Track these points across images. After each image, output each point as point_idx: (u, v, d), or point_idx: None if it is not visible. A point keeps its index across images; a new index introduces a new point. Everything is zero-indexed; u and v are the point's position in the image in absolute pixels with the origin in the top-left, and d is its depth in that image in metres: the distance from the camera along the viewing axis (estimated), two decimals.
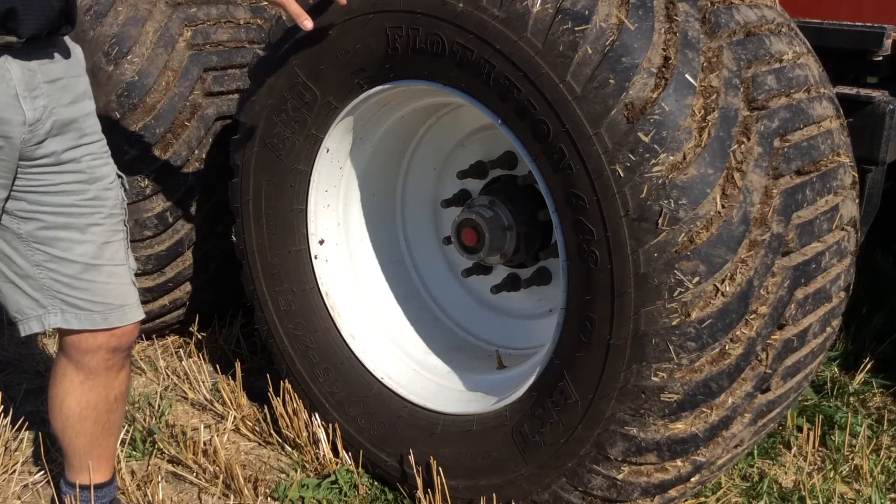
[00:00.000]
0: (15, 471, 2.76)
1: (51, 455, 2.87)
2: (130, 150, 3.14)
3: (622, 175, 2.03)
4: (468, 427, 2.54)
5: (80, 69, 2.14)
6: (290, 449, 2.96)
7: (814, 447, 2.95)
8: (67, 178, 2.11)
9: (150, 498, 2.66)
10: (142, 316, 2.31)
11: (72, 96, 2.09)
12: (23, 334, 2.24)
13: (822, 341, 2.39)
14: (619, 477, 2.25)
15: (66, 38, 2.12)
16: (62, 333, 2.25)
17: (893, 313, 3.73)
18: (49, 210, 2.11)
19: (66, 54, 2.10)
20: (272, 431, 3.02)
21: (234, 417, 3.08)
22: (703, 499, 2.72)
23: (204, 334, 3.60)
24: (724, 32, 2.12)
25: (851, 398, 3.31)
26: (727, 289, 2.04)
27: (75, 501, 2.41)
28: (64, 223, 2.13)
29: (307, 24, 2.33)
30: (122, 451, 2.81)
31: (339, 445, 2.82)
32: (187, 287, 3.47)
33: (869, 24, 2.63)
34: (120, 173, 2.24)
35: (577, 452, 2.28)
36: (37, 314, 2.20)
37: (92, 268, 2.18)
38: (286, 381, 2.92)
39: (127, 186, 2.27)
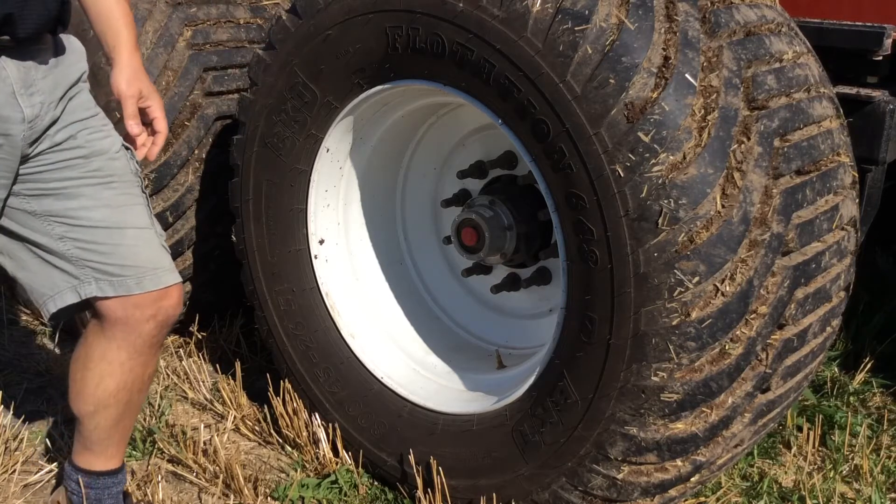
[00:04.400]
0: (15, 471, 2.75)
1: (51, 455, 2.87)
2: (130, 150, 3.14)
3: (622, 175, 2.03)
4: (468, 427, 2.54)
5: (73, 57, 2.15)
6: (290, 449, 2.96)
7: (814, 447, 2.95)
8: (66, 154, 2.12)
9: (150, 498, 2.66)
10: (178, 279, 2.28)
11: (65, 86, 2.11)
12: (54, 310, 2.21)
13: (822, 341, 2.39)
14: (619, 476, 2.25)
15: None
16: (107, 312, 2.21)
17: (893, 313, 3.74)
18: (55, 185, 2.12)
19: (57, 49, 2.12)
20: (272, 431, 3.02)
21: (234, 417, 3.08)
22: (703, 498, 2.72)
23: (204, 334, 3.60)
24: (724, 32, 2.12)
25: (851, 398, 3.31)
26: (727, 288, 2.04)
27: (90, 489, 2.37)
28: (73, 194, 2.13)
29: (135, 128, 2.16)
30: None
31: (339, 445, 2.82)
32: (187, 287, 3.47)
33: (869, 24, 2.63)
34: (127, 145, 2.23)
35: (577, 452, 2.28)
36: (71, 285, 2.18)
37: (114, 231, 2.16)
38: (286, 381, 2.92)
39: (137, 158, 2.24)
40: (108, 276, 2.18)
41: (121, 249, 2.18)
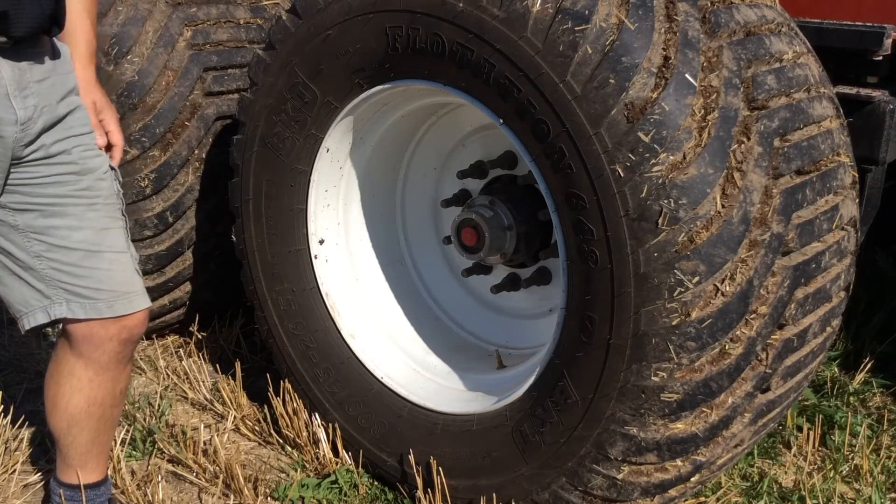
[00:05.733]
0: (15, 471, 2.76)
1: (51, 455, 2.87)
2: (130, 150, 3.14)
3: (622, 175, 2.03)
4: (468, 427, 2.54)
5: (68, 66, 2.16)
6: (290, 449, 2.96)
7: (814, 447, 2.96)
8: (59, 169, 2.12)
9: (150, 498, 2.66)
10: (148, 304, 2.30)
11: (60, 94, 2.11)
12: (28, 327, 2.22)
13: (822, 341, 2.39)
14: (619, 477, 2.25)
15: (53, 37, 2.13)
16: (72, 330, 2.23)
17: (893, 313, 3.73)
18: (43, 201, 2.12)
19: (54, 53, 2.12)
20: (272, 431, 3.02)
21: (234, 417, 3.08)
22: (703, 498, 2.72)
23: (204, 334, 3.60)
24: (724, 32, 2.12)
25: (851, 398, 3.31)
26: (727, 288, 2.04)
27: (75, 503, 2.40)
28: (59, 212, 2.13)
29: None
30: (122, 451, 2.81)
31: (339, 445, 2.82)
32: (187, 287, 3.47)
33: (869, 24, 2.63)
34: (113, 165, 2.25)
35: (577, 452, 2.28)
36: (42, 305, 2.19)
37: (93, 254, 2.17)
38: (286, 381, 2.92)
39: (121, 179, 2.28)
40: (80, 297, 2.18)
41: (97, 273, 2.18)
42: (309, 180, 2.74)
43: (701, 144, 2.01)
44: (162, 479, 2.80)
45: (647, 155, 2.00)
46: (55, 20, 2.07)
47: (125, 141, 3.12)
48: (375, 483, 2.81)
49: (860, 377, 3.37)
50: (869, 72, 2.72)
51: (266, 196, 2.81)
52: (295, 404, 2.90)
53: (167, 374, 3.44)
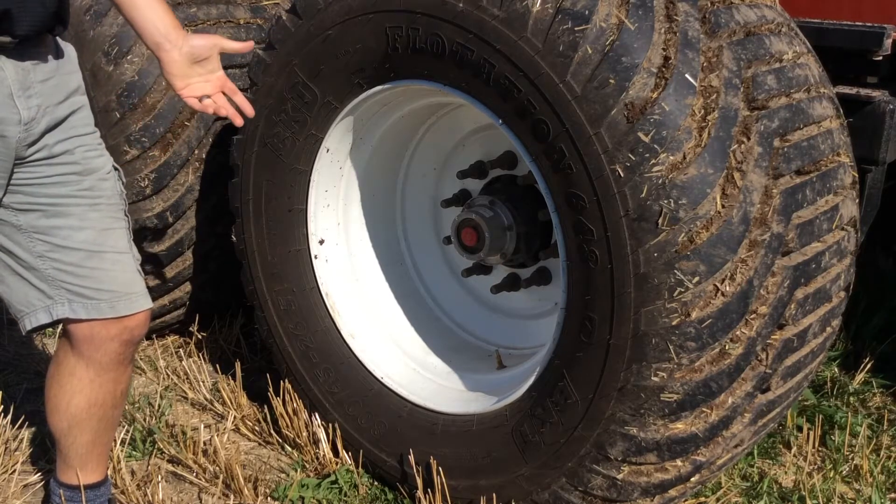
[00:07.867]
0: (15, 471, 2.75)
1: (51, 455, 2.87)
2: (130, 150, 3.14)
3: (622, 175, 2.03)
4: (468, 427, 2.54)
5: (71, 66, 2.15)
6: (290, 449, 2.96)
7: (814, 447, 2.96)
8: (62, 169, 2.12)
9: (150, 498, 2.66)
10: (150, 304, 2.29)
11: (64, 94, 2.11)
12: (29, 327, 2.22)
13: (822, 341, 2.39)
14: (619, 477, 2.25)
15: (57, 37, 2.13)
16: (73, 330, 2.23)
17: (893, 313, 3.73)
18: (46, 201, 2.12)
19: (58, 53, 2.12)
20: (272, 431, 3.02)
21: (234, 417, 3.08)
22: (703, 499, 2.72)
23: (204, 334, 3.60)
24: (724, 32, 2.12)
25: (851, 398, 3.31)
26: (727, 289, 2.04)
27: (74, 503, 2.40)
28: (62, 212, 2.13)
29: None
30: (122, 451, 2.81)
31: (339, 445, 2.82)
32: (187, 287, 3.47)
33: (869, 24, 2.63)
34: (116, 166, 2.25)
35: (577, 452, 2.28)
36: (44, 305, 2.19)
37: (94, 255, 2.17)
38: (286, 381, 2.92)
39: (124, 179, 2.27)
40: (82, 298, 2.18)
41: (98, 273, 2.18)
42: (309, 180, 2.74)
43: (701, 144, 2.01)
44: (162, 479, 2.80)
45: (647, 155, 2.00)
46: (59, 18, 2.07)
47: (126, 142, 3.13)
48: (375, 483, 2.81)
49: (860, 377, 3.37)
50: (869, 72, 2.72)
51: (266, 196, 2.81)
52: (295, 404, 2.90)
53: (167, 374, 3.44)
